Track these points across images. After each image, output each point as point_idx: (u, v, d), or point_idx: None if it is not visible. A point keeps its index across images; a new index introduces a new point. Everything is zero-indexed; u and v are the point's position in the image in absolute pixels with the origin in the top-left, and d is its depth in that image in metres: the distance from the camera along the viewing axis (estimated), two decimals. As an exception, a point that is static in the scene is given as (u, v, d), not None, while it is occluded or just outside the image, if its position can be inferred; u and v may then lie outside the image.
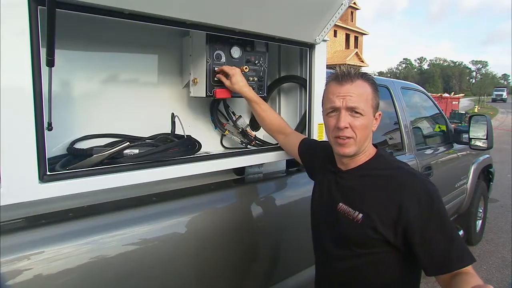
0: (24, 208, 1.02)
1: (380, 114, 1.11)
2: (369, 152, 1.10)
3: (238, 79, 1.43)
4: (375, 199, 1.02)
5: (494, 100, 43.43)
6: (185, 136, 1.42)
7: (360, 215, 1.02)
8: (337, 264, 1.10)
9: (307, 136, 1.61)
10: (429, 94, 3.38)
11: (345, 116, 1.03)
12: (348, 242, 1.06)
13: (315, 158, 1.33)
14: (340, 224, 1.07)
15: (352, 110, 1.03)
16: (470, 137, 3.02)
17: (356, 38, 38.16)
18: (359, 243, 1.03)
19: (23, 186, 0.90)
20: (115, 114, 1.41)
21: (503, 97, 44.17)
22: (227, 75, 1.44)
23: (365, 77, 1.06)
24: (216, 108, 1.66)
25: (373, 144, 1.13)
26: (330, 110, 1.07)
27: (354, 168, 1.10)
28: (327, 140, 1.15)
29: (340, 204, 1.09)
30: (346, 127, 1.03)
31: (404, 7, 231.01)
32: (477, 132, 3.00)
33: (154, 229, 1.17)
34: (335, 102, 1.04)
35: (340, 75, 1.05)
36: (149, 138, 1.44)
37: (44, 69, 0.91)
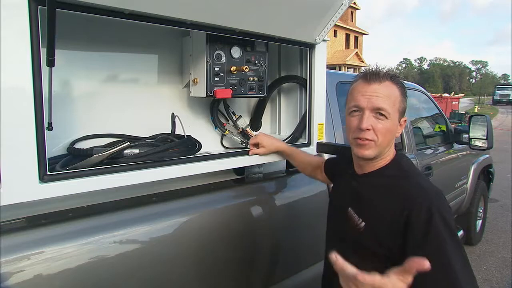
0: (24, 208, 1.02)
1: (405, 120, 1.04)
2: (389, 157, 1.04)
3: (268, 141, 1.49)
4: (378, 211, 0.97)
5: (496, 102, 33.90)
6: (185, 136, 1.42)
7: (363, 223, 0.99)
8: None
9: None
10: (429, 94, 3.38)
11: (369, 117, 0.96)
12: (353, 248, 1.01)
13: (335, 166, 1.32)
14: (346, 228, 1.05)
15: (377, 112, 0.96)
16: (470, 137, 3.02)
17: (356, 38, 38.16)
18: (362, 252, 0.98)
19: (23, 186, 0.90)
20: (115, 114, 1.41)
21: (511, 98, 33.43)
22: (257, 145, 1.49)
23: (395, 79, 1.00)
24: (216, 108, 1.66)
25: (395, 148, 1.07)
26: (353, 109, 1.01)
27: (368, 174, 1.05)
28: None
29: (349, 209, 1.06)
30: (368, 129, 0.96)
31: (403, 7, 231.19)
32: (477, 132, 2.99)
33: (154, 229, 1.17)
34: (360, 101, 0.98)
35: (369, 74, 0.99)
36: (149, 138, 1.44)
37: (45, 69, 0.91)
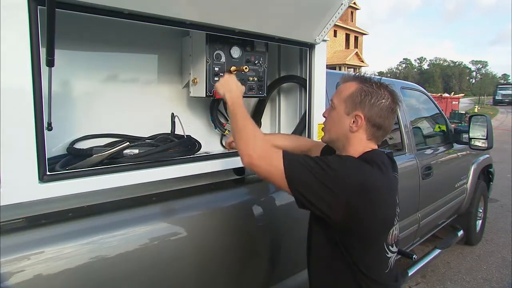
0: (24, 208, 1.02)
1: (360, 117, 1.03)
2: (356, 153, 1.05)
3: None
4: None
5: (497, 102, 31.74)
6: (185, 136, 1.42)
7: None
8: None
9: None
10: (429, 94, 3.38)
11: (327, 107, 1.15)
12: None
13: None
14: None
15: (330, 104, 1.12)
16: (470, 137, 3.02)
17: (356, 38, 38.15)
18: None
19: (23, 186, 0.90)
20: (115, 114, 1.41)
21: None
22: None
23: (361, 80, 1.07)
24: (216, 108, 1.66)
25: (380, 149, 1.08)
26: None
27: None
28: None
29: None
30: (324, 116, 1.15)
31: (403, 8, 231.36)
32: (477, 132, 2.99)
33: (154, 229, 1.17)
34: None
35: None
36: (149, 138, 1.44)
37: (44, 69, 0.91)
